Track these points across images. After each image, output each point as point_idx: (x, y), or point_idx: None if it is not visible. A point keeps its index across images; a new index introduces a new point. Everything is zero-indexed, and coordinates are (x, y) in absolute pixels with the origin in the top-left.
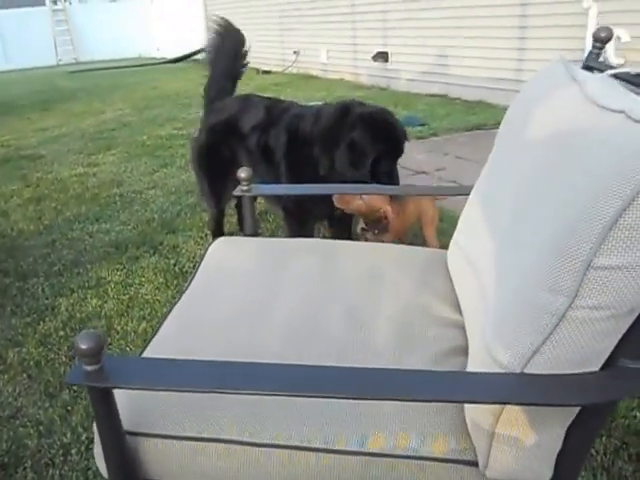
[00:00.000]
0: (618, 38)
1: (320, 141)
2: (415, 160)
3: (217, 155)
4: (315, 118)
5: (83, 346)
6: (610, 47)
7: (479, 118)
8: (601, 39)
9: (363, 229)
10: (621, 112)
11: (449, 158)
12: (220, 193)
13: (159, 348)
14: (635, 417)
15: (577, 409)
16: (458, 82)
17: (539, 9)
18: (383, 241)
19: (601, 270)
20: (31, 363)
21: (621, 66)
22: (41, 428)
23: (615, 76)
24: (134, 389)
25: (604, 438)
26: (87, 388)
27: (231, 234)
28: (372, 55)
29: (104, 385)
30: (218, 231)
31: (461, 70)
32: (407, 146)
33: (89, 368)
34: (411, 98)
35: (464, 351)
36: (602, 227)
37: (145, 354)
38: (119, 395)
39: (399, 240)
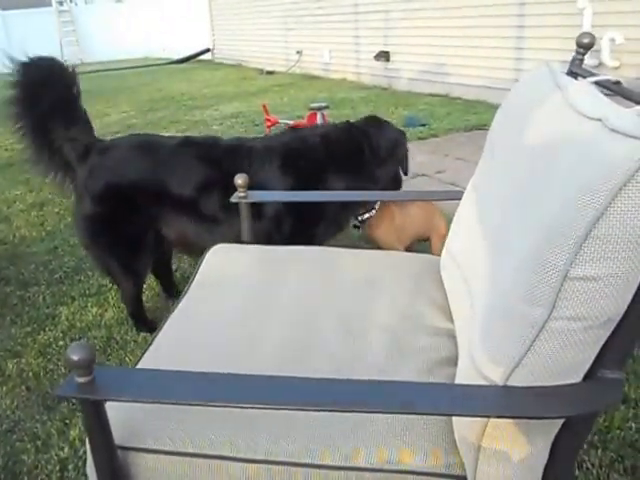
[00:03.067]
0: (612, 40)
1: None
2: (415, 162)
3: (123, 225)
4: None
5: (74, 357)
6: (605, 49)
7: (479, 118)
8: (584, 45)
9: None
10: (598, 120)
11: (449, 159)
12: (138, 269)
13: (154, 359)
14: (630, 429)
15: (561, 421)
16: (458, 82)
17: (536, 9)
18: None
19: (577, 281)
20: (30, 374)
21: (616, 69)
22: (38, 443)
23: (597, 83)
24: (125, 401)
25: (599, 451)
26: (79, 401)
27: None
28: (374, 55)
29: (95, 397)
30: (138, 310)
31: (461, 70)
32: (408, 148)
33: (81, 380)
34: (412, 98)
35: (456, 361)
36: (577, 237)
37: (140, 365)
38: (111, 409)
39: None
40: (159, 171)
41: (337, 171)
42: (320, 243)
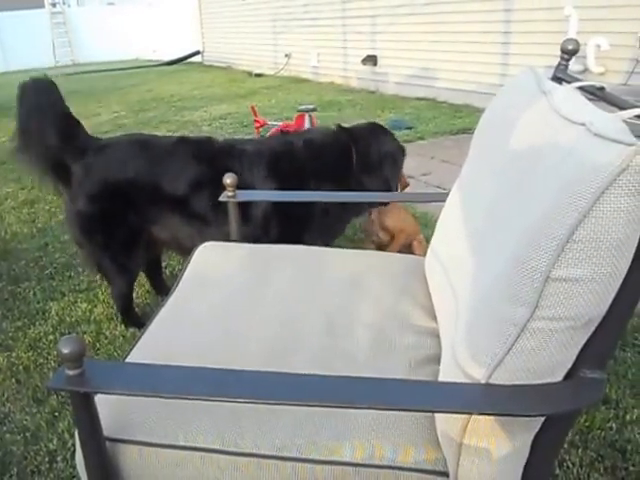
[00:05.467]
0: (598, 46)
1: None
2: None
3: (119, 222)
4: None
5: (65, 350)
6: (590, 55)
7: (465, 122)
8: (568, 51)
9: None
10: (582, 125)
11: (435, 162)
12: (131, 266)
13: (142, 353)
14: (611, 429)
15: (541, 419)
16: (445, 86)
17: (522, 15)
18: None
19: (559, 282)
20: (20, 368)
21: (601, 74)
22: (28, 434)
23: (581, 88)
24: (114, 394)
25: (580, 450)
26: (69, 393)
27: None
28: (362, 59)
29: (84, 390)
30: (128, 307)
31: (448, 74)
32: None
33: (71, 373)
34: (398, 101)
35: (439, 360)
36: (559, 239)
37: (129, 359)
38: (101, 401)
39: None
40: (155, 170)
41: (319, 177)
42: None
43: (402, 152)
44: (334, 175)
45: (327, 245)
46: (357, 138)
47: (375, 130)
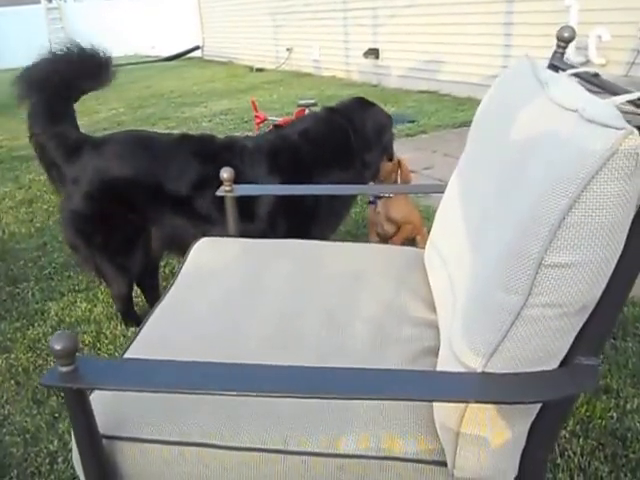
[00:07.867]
0: (599, 37)
1: None
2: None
3: (117, 222)
4: None
5: (57, 347)
6: (592, 46)
7: (467, 115)
8: (564, 38)
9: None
10: (575, 111)
11: (437, 156)
12: (130, 268)
13: (140, 350)
14: (612, 418)
15: (538, 407)
16: (448, 78)
17: (523, 6)
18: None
19: (551, 268)
20: (19, 369)
21: (603, 66)
22: (28, 436)
23: (576, 75)
24: (108, 389)
25: (581, 439)
26: (63, 390)
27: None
28: (363, 52)
29: (77, 386)
30: (127, 308)
31: (450, 67)
32: (396, 144)
33: (64, 369)
34: (401, 95)
35: (438, 351)
36: (551, 225)
37: (126, 356)
38: (96, 398)
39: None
40: (154, 168)
41: (325, 167)
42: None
43: (390, 118)
44: (337, 160)
45: (334, 232)
46: (350, 117)
47: (363, 104)
